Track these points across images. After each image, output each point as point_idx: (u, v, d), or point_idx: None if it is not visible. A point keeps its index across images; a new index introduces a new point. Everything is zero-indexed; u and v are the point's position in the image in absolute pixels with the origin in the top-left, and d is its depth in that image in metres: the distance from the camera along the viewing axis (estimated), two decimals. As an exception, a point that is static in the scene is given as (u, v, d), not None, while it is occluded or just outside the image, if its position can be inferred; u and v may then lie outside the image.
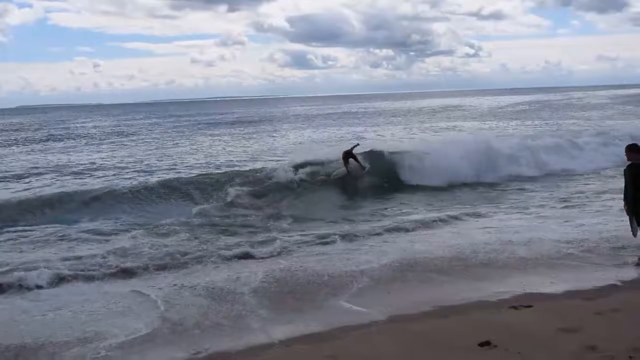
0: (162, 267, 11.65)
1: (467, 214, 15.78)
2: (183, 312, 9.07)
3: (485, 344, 7.03)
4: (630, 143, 10.96)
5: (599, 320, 7.60)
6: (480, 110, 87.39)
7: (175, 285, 10.46)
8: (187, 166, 27.82)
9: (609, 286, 9.33)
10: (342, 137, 43.57)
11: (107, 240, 13.96)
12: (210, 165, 27.86)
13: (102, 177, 24.93)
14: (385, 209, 17.59)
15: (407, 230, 14.28)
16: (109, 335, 8.30)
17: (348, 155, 21.59)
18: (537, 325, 7.59)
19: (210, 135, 51.94)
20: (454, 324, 7.94)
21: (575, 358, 6.39)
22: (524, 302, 8.66)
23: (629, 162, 10.65)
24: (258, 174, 21.52)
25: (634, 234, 10.61)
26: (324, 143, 37.94)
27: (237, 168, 25.63)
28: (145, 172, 26.13)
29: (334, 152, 22.88)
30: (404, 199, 19.15)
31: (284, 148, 36.28)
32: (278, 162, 24.69)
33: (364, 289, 9.87)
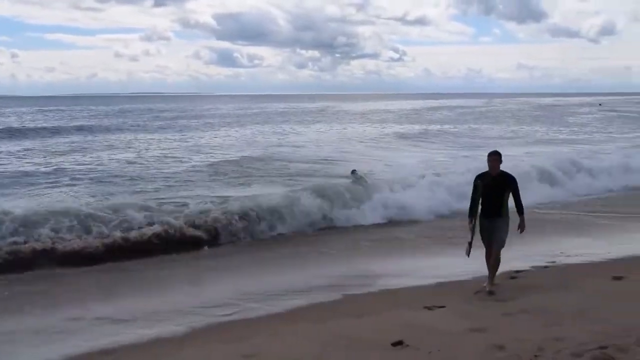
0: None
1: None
2: None
3: (398, 343, 7.14)
4: (496, 150, 9.60)
5: (507, 320, 7.84)
6: (404, 114, 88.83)
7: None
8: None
9: (517, 288, 9.64)
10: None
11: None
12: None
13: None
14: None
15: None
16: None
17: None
18: (448, 325, 7.76)
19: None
20: (368, 324, 8.04)
21: (483, 356, 6.56)
22: (438, 303, 8.85)
23: (497, 172, 9.38)
24: None
25: (468, 253, 9.36)
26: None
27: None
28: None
29: None
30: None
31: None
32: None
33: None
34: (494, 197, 9.32)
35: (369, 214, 16.36)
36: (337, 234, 15.13)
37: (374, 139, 45.57)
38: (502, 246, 9.38)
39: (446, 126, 60.09)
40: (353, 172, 19.96)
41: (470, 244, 9.32)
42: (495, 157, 9.40)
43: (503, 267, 9.56)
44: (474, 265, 9.37)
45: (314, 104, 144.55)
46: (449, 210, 16.83)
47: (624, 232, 14.70)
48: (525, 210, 9.64)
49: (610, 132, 50.48)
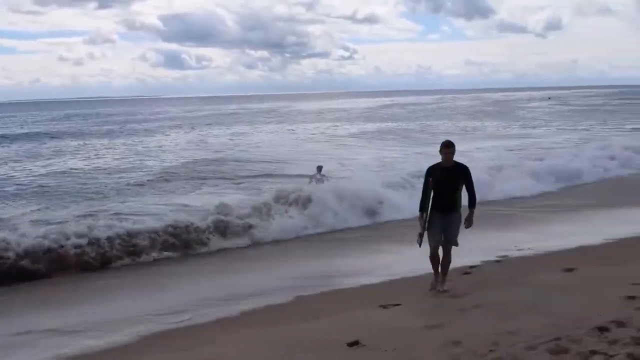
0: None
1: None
2: None
3: (354, 343, 7.11)
4: (449, 140, 9.17)
5: (462, 316, 7.89)
6: (357, 112, 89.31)
7: None
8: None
9: (471, 283, 9.73)
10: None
11: None
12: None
13: None
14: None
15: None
16: None
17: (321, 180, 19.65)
18: (404, 323, 7.77)
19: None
20: (322, 325, 8.01)
21: (439, 353, 6.58)
22: (393, 301, 8.87)
23: (451, 164, 8.97)
24: None
25: (419, 243, 9.12)
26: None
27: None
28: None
29: None
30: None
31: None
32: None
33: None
34: (448, 190, 8.89)
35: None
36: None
37: (328, 138, 45.74)
38: (457, 243, 9.13)
39: (399, 123, 60.69)
40: (319, 168, 19.78)
41: (421, 235, 8.99)
42: (448, 149, 8.92)
43: (456, 263, 9.61)
44: (428, 261, 9.40)
45: (265, 104, 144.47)
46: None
47: (573, 224, 15.03)
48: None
49: (560, 125, 51.64)
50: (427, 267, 9.53)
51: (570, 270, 9.96)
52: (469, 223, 8.99)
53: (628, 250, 11.67)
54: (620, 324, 6.77)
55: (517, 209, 17.34)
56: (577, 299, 7.97)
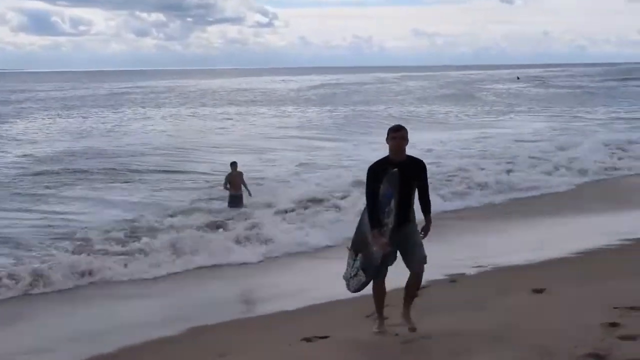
0: None
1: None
2: None
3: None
4: (399, 125, 8.40)
5: (408, 350, 7.92)
6: (278, 94, 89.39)
7: None
8: None
9: (420, 308, 9.79)
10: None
11: None
12: None
13: None
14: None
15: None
16: None
17: (239, 178, 19.49)
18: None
19: None
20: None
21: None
22: (320, 332, 8.85)
23: (403, 157, 8.13)
24: None
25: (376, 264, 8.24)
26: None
27: None
28: None
29: None
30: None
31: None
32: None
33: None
34: (401, 195, 7.98)
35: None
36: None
37: (240, 126, 45.63)
38: (426, 261, 8.24)
39: (332, 107, 61.00)
40: (233, 164, 19.48)
41: (384, 245, 7.95)
42: (399, 133, 8.04)
43: (398, 283, 9.52)
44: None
45: (162, 82, 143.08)
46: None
47: (542, 233, 15.42)
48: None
49: (538, 112, 52.94)
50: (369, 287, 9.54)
51: (539, 291, 10.14)
52: (426, 232, 8.32)
53: (607, 265, 11.99)
54: (600, 358, 6.90)
55: (475, 219, 17.66)
56: (549, 328, 8.10)
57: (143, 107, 64.08)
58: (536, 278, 10.92)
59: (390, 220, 8.01)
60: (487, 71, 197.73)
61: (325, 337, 8.70)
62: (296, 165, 27.21)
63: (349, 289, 8.53)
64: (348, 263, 8.50)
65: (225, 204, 19.07)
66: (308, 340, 8.65)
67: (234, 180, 19.15)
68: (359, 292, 8.53)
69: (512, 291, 10.29)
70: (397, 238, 8.09)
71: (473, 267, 12.35)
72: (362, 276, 8.28)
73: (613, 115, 50.40)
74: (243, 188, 19.24)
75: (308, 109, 60.66)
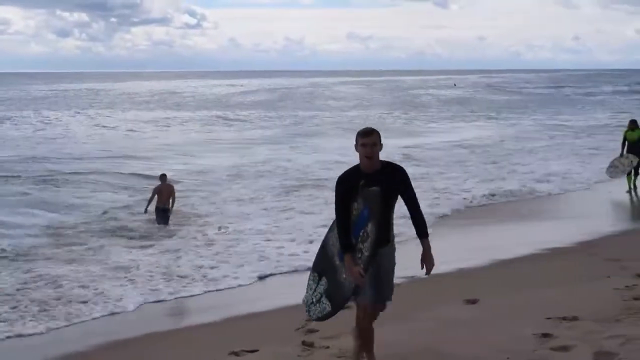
0: None
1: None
2: None
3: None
4: (371, 128, 7.14)
5: None
6: (206, 98, 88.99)
7: None
8: None
9: (348, 320, 9.85)
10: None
11: None
12: None
13: None
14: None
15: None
16: None
17: (168, 191, 18.80)
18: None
19: None
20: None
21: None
22: (249, 346, 8.84)
23: (377, 167, 6.97)
24: None
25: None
26: None
27: None
28: None
29: None
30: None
31: None
32: None
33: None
34: (380, 213, 6.97)
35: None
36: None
37: (168, 131, 45.36)
38: (391, 298, 7.27)
39: (264, 112, 60.97)
40: (162, 177, 19.04)
41: (362, 272, 6.79)
42: (370, 139, 6.93)
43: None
44: (293, 291, 9.43)
45: (85, 85, 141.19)
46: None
47: (472, 239, 15.68)
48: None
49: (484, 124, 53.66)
50: (295, 297, 9.52)
51: (473, 301, 10.29)
52: (429, 262, 7.00)
53: (537, 274, 12.22)
54: (533, 369, 7.06)
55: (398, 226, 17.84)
56: (482, 340, 8.22)
57: (61, 111, 63.10)
58: (469, 287, 11.06)
59: (366, 246, 6.87)
60: (422, 77, 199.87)
61: (254, 350, 8.69)
62: (228, 175, 27.00)
63: (309, 316, 7.47)
64: (308, 285, 7.43)
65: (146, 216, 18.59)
66: (236, 354, 8.63)
67: (162, 193, 18.60)
68: (293, 300, 8.36)
69: (445, 302, 10.41)
70: (373, 263, 6.95)
71: (402, 277, 12.43)
72: (326, 305, 7.18)
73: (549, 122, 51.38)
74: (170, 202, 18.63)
75: (240, 113, 60.48)
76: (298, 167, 27.73)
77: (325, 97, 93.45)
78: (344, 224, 6.97)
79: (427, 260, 6.91)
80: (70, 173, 27.02)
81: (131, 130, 46.18)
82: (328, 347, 8.27)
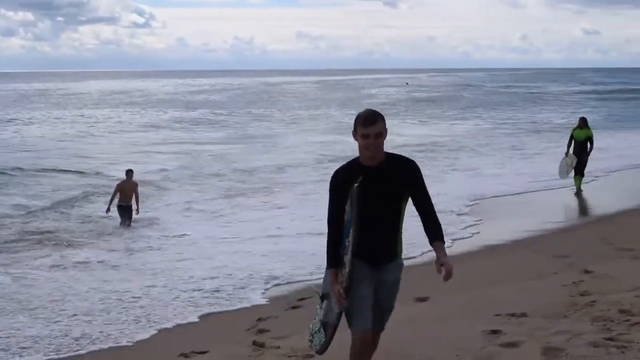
0: None
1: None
2: None
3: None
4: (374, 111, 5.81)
5: None
6: (156, 97, 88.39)
7: None
8: None
9: (297, 319, 9.88)
10: None
11: None
12: None
13: None
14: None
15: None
16: None
17: (131, 188, 18.48)
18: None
19: None
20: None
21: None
22: (199, 347, 8.83)
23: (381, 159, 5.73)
24: None
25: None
26: None
27: None
28: None
29: None
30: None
31: None
32: None
33: None
34: (381, 216, 5.78)
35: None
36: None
37: (117, 132, 44.99)
38: (384, 327, 6.34)
39: (216, 112, 60.75)
40: (129, 172, 18.77)
41: (342, 290, 5.74)
42: (373, 128, 5.60)
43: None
44: (244, 292, 9.45)
45: (31, 85, 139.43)
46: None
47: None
48: None
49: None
50: (242, 299, 9.56)
51: (423, 299, 10.37)
52: (447, 268, 5.76)
53: (489, 271, 12.36)
54: (481, 366, 7.13)
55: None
56: (432, 337, 8.29)
57: (13, 112, 62.21)
58: (419, 285, 11.13)
59: (347, 261, 5.76)
60: (374, 76, 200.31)
61: (204, 352, 8.68)
62: (175, 176, 26.82)
63: (311, 347, 6.31)
64: (315, 310, 6.30)
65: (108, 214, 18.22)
66: (186, 356, 8.61)
67: (126, 190, 18.29)
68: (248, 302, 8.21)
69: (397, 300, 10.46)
70: (373, 281, 5.90)
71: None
72: (323, 334, 6.09)
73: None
74: (133, 201, 18.26)
75: (189, 113, 60.17)
76: (249, 167, 27.91)
77: (277, 95, 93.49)
78: (333, 233, 5.84)
79: (446, 265, 5.70)
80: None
81: (81, 131, 45.72)
82: (279, 347, 8.26)
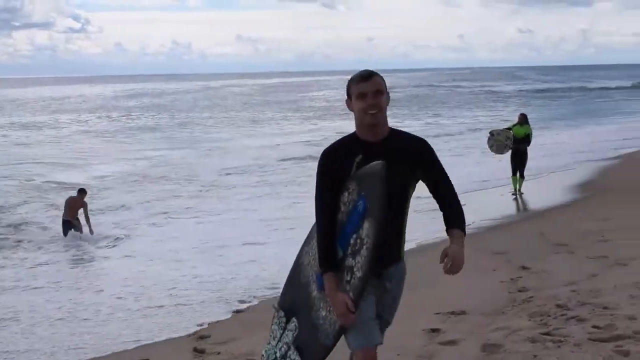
0: None
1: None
2: None
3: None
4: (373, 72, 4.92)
5: None
6: (93, 103, 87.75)
7: None
8: None
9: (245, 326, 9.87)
10: None
11: None
12: None
13: None
14: None
15: None
16: None
17: (78, 205, 18.12)
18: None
19: None
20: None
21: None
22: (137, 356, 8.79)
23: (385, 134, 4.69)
24: None
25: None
26: None
27: None
28: None
29: None
30: None
31: None
32: None
33: None
34: (390, 209, 4.49)
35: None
36: None
37: (53, 137, 44.52)
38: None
39: (157, 116, 60.45)
40: (81, 191, 18.38)
41: (350, 302, 4.41)
42: (371, 83, 4.58)
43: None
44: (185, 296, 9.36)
45: (17, 91, 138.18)
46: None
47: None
48: None
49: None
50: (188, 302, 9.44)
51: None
52: (457, 259, 4.56)
53: (428, 269, 12.44)
54: (421, 365, 7.20)
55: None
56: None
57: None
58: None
59: (360, 264, 4.44)
60: (314, 78, 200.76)
61: (144, 360, 8.66)
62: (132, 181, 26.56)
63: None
64: (272, 331, 4.96)
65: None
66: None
67: (73, 205, 17.99)
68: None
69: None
70: (376, 289, 4.70)
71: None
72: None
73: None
74: (83, 221, 17.83)
75: (127, 117, 59.77)
76: (192, 169, 27.85)
77: (216, 99, 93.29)
78: (327, 226, 4.57)
79: (457, 255, 4.51)
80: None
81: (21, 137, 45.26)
82: (219, 353, 8.27)
